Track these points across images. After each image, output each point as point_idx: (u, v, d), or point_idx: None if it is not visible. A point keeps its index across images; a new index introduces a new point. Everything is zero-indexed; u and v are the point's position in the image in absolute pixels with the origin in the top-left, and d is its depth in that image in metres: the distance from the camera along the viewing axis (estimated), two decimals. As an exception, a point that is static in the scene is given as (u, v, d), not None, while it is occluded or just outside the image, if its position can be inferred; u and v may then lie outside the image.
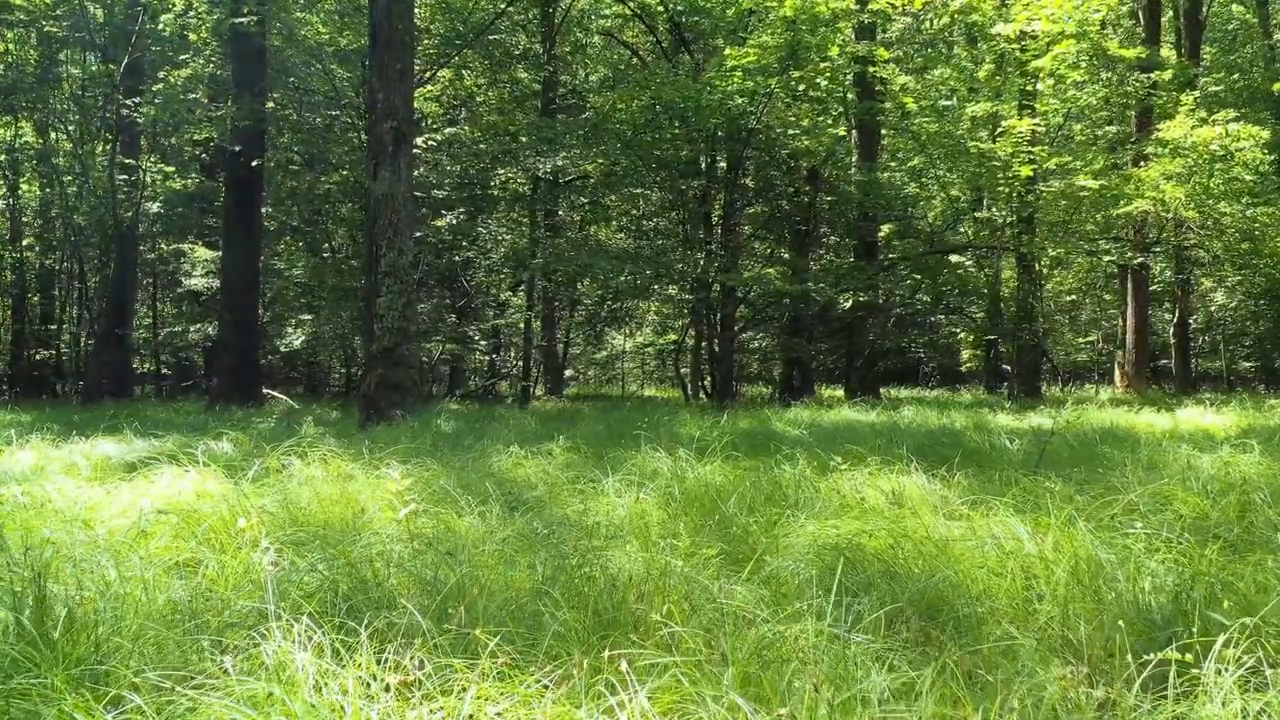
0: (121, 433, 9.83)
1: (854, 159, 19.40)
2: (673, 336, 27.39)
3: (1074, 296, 30.07)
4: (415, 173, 17.74)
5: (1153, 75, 16.03)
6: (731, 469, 6.42)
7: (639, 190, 22.44)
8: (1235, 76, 25.48)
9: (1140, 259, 18.00)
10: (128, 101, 23.20)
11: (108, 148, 23.53)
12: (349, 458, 6.53)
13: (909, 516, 4.73)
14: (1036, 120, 14.58)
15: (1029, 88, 16.38)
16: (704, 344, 20.27)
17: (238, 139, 17.72)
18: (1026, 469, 7.15)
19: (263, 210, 21.70)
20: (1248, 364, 33.07)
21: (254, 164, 17.22)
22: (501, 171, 20.56)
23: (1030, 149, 14.41)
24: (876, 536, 4.18)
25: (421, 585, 3.49)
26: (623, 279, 21.53)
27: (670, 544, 4.14)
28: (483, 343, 20.90)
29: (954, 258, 20.54)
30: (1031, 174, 14.48)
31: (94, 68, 25.09)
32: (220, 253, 19.34)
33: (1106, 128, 19.10)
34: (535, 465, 6.51)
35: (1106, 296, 33.01)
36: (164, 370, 29.36)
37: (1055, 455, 8.19)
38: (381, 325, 11.20)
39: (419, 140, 17.58)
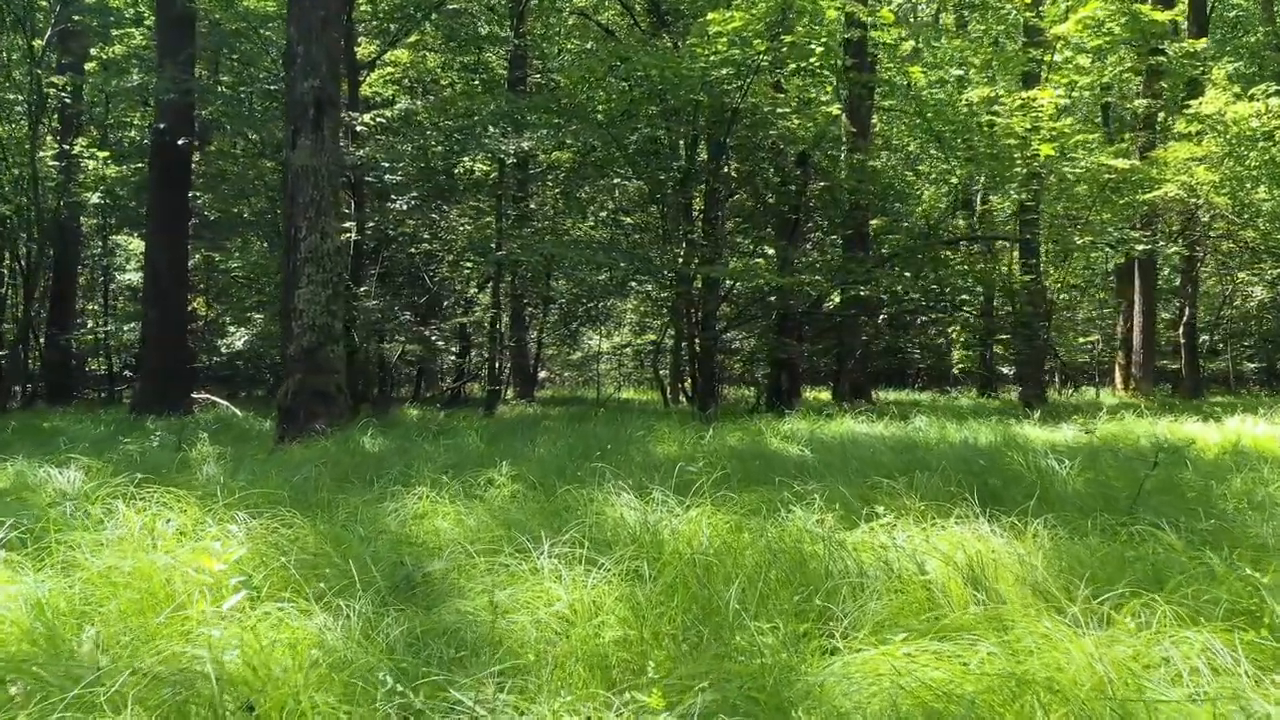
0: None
1: (844, 140, 17.65)
2: (651, 336, 25.67)
3: (1065, 295, 28.56)
4: (361, 151, 15.91)
5: (1184, 45, 14.42)
6: (725, 517, 4.66)
7: (615, 181, 20.71)
8: (1240, 64, 24.07)
9: (1174, 249, 16.38)
10: (53, 79, 21.18)
11: (35, 132, 21.47)
12: (196, 503, 4.71)
13: (1011, 617, 2.99)
14: (1059, 92, 12.88)
15: (1046, 58, 14.66)
16: (684, 344, 18.52)
17: (162, 115, 15.79)
18: (1114, 510, 5.44)
19: (197, 198, 19.80)
20: (1251, 365, 31.69)
21: (180, 142, 15.28)
22: (466, 158, 18.70)
23: (1053, 125, 12.74)
24: (984, 679, 2.42)
25: None
26: (598, 276, 19.78)
27: (633, 698, 2.38)
28: (440, 343, 19.03)
29: (954, 250, 18.87)
30: (1053, 153, 12.83)
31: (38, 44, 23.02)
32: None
33: (1136, 101, 17.44)
34: (453, 514, 4.71)
35: (1101, 295, 31.55)
36: (123, 371, 27.25)
37: (1123, 483, 6.49)
38: (301, 322, 9.36)
39: (365, 117, 15.71)
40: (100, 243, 28.14)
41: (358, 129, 15.94)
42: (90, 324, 28.09)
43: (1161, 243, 15.83)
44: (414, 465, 7.06)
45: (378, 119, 16.10)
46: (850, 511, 5.03)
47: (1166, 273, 26.91)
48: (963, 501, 5.41)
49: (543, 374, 31.47)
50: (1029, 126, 12.76)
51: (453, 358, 23.36)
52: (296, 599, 3.39)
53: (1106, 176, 13.48)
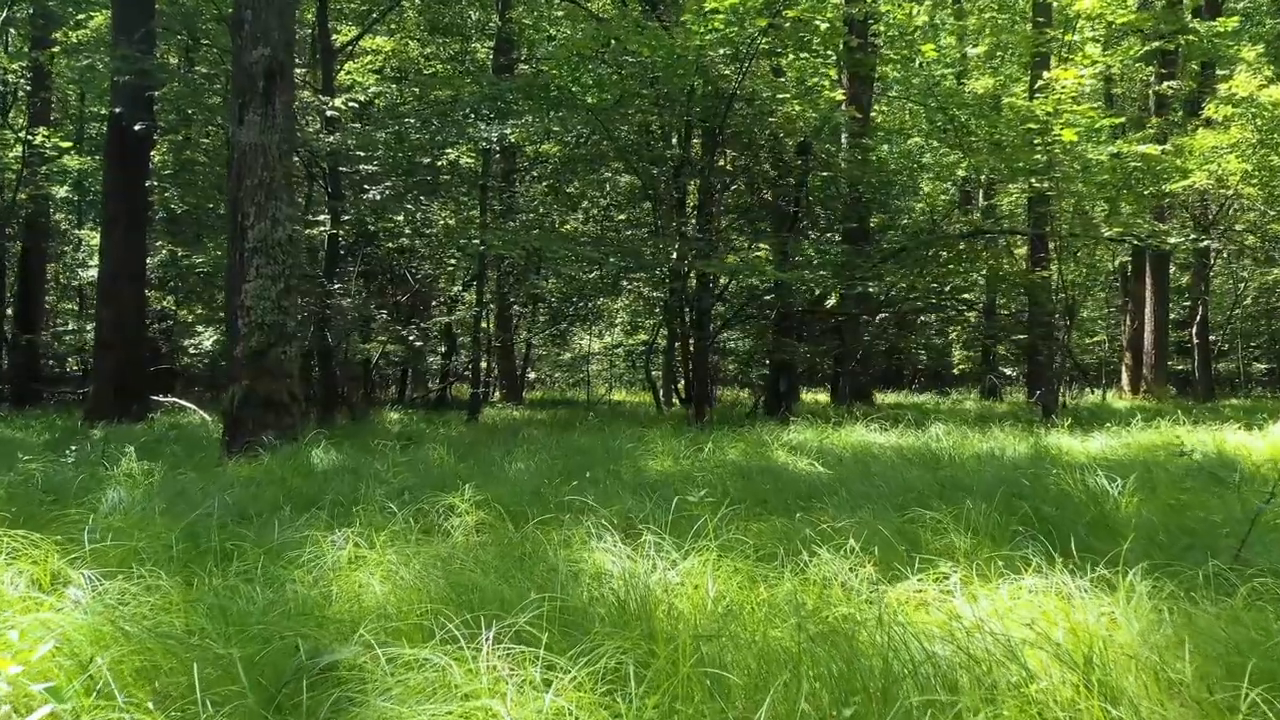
0: None
1: (844, 127, 16.61)
2: (644, 336, 24.64)
3: (1076, 293, 27.61)
4: (332, 137, 14.86)
5: (1213, 25, 13.46)
6: (733, 568, 3.65)
7: (606, 175, 19.69)
8: (1257, 50, 23.19)
9: (1205, 241, 15.42)
10: (13, 66, 20.12)
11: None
12: (58, 549, 3.67)
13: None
14: (1085, 73, 11.88)
15: (1067, 37, 13.70)
16: (678, 344, 17.49)
17: (118, 98, 14.69)
18: (1204, 545, 4.44)
19: (165, 191, 18.75)
20: (1260, 365, 30.84)
21: (136, 127, 14.18)
22: (449, 149, 17.62)
23: (1076, 109, 11.76)
24: None
25: None
26: (588, 274, 18.75)
27: None
28: (420, 343, 17.96)
29: (960, 246, 17.89)
30: (1075, 138, 11.85)
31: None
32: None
33: (1165, 85, 16.48)
34: (384, 566, 3.68)
35: (1101, 294, 30.61)
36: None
37: (1216, 513, 5.50)
38: (248, 320, 8.31)
39: (337, 101, 14.65)
40: (76, 238, 27.06)
41: (329, 114, 14.89)
42: (68, 324, 27.02)
43: (1193, 236, 14.85)
44: (364, 487, 6.03)
45: (350, 103, 15.04)
46: (891, 556, 4.02)
47: (1173, 271, 25.96)
48: (1023, 540, 4.43)
49: (532, 375, 30.44)
50: (1050, 110, 11.79)
51: (437, 359, 22.34)
52: (133, 710, 2.37)
53: (1132, 165, 12.52)
